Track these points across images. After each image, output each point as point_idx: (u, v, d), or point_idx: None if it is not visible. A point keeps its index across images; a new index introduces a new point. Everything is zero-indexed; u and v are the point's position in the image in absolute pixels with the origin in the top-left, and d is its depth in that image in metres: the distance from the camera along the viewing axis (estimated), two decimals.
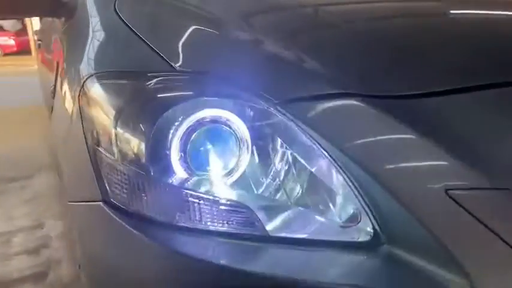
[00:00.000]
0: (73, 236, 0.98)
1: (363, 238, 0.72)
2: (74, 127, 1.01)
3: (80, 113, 0.92)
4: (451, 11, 1.25)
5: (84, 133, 0.90)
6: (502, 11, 1.27)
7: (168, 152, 0.76)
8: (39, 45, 2.52)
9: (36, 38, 2.96)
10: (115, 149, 0.81)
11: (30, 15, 1.85)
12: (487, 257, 0.64)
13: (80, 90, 0.95)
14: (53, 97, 1.38)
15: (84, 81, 0.95)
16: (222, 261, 0.70)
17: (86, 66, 1.07)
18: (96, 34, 1.21)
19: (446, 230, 0.65)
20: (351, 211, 0.74)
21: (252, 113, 0.77)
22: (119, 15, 1.14)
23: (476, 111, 0.76)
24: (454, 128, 0.71)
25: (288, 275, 0.67)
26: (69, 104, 1.11)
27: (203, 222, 0.74)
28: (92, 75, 0.94)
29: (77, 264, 1.11)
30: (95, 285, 0.88)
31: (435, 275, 0.65)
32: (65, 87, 1.21)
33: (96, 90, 0.91)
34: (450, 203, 0.66)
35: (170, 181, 0.76)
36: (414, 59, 0.87)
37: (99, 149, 0.84)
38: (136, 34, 1.00)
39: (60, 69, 1.34)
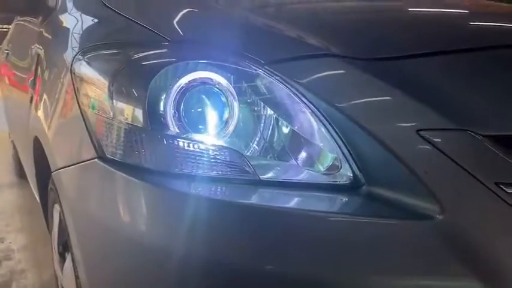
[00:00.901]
0: (62, 204, 1.00)
1: (343, 181, 0.79)
2: (64, 101, 1.05)
3: (73, 83, 0.96)
4: None
5: (77, 102, 0.94)
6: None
7: (162, 111, 0.81)
8: (6, 55, 2.52)
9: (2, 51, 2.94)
10: (111, 109, 0.85)
11: (8, 12, 1.87)
12: (455, 186, 0.73)
13: (71, 64, 1.00)
14: (33, 87, 1.40)
15: (75, 56, 1.00)
16: (218, 197, 0.75)
17: (73, 48, 1.12)
18: (80, 23, 1.27)
19: (419, 165, 0.74)
20: (332, 161, 0.81)
21: (239, 75, 0.84)
22: (108, 6, 1.20)
23: (445, 70, 0.86)
24: (424, 83, 0.81)
25: (280, 205, 0.74)
26: (56, 85, 1.15)
27: (199, 170, 0.80)
28: (82, 50, 0.99)
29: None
30: (94, 244, 0.89)
31: (410, 205, 0.73)
32: (49, 73, 1.24)
33: (88, 61, 0.96)
34: (421, 141, 0.74)
35: (166, 134, 0.81)
36: (385, 29, 0.98)
37: (94, 111, 0.89)
38: (128, 18, 1.06)
39: (41, 60, 1.38)
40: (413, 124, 0.76)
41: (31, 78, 1.45)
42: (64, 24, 1.31)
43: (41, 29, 1.56)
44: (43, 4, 1.60)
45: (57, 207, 1.22)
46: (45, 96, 1.22)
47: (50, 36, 1.39)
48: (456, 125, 0.75)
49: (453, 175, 0.73)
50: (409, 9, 1.18)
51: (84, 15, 1.30)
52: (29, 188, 2.34)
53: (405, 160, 0.74)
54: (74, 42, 1.13)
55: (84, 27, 1.20)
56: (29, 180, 2.00)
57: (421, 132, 0.75)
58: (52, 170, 1.06)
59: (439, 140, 0.75)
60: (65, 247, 1.24)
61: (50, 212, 1.37)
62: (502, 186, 0.72)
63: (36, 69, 1.41)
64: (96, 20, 1.22)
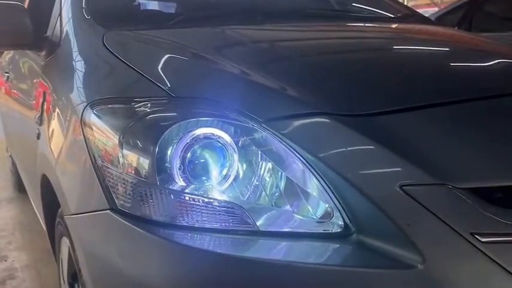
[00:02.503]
0: (76, 246, 1.08)
1: (335, 230, 0.87)
2: (74, 147, 1.13)
3: (83, 135, 1.04)
4: (402, 46, 1.49)
5: (88, 153, 1.01)
6: (448, 46, 1.52)
7: (169, 165, 0.89)
8: (7, 78, 2.57)
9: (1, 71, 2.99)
10: (121, 164, 0.93)
11: (12, 48, 1.93)
12: (434, 237, 0.81)
13: (82, 116, 1.07)
14: (40, 124, 1.47)
15: (86, 107, 1.07)
16: (219, 250, 0.83)
17: (82, 95, 1.19)
18: (86, 66, 1.34)
19: (402, 218, 0.82)
20: (324, 209, 0.89)
21: (238, 130, 0.93)
22: (109, 49, 1.28)
23: (424, 124, 0.94)
24: (406, 138, 0.90)
25: (279, 259, 0.82)
26: (64, 129, 1.22)
27: (202, 222, 0.88)
28: (93, 102, 1.07)
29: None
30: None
31: (395, 254, 0.81)
32: (58, 114, 1.31)
33: (98, 115, 1.03)
34: (404, 196, 0.83)
35: (172, 188, 0.89)
36: (371, 86, 1.07)
37: (105, 164, 0.96)
38: (130, 66, 1.14)
39: (48, 99, 1.44)
40: (397, 179, 0.84)
41: (37, 115, 1.51)
42: (69, 66, 1.38)
43: (45, 63, 1.63)
44: (46, 38, 1.67)
45: (65, 240, 1.29)
46: (54, 138, 1.29)
47: (55, 77, 1.46)
48: (436, 179, 0.84)
49: (433, 227, 0.81)
50: (394, 59, 1.27)
51: (87, 58, 1.37)
52: (29, 203, 2.40)
53: (389, 213, 0.82)
54: (81, 91, 1.20)
55: (91, 73, 1.27)
56: (33, 205, 2.07)
57: (404, 187, 0.83)
58: (64, 213, 1.14)
59: (420, 194, 0.83)
60: (74, 278, 1.31)
61: (57, 242, 1.44)
62: (477, 236, 0.80)
63: (42, 107, 1.48)
64: (100, 65, 1.29)
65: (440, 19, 4.52)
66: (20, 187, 3.19)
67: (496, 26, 4.32)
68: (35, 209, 2.02)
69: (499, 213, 0.82)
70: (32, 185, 1.75)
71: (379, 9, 2.07)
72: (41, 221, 1.82)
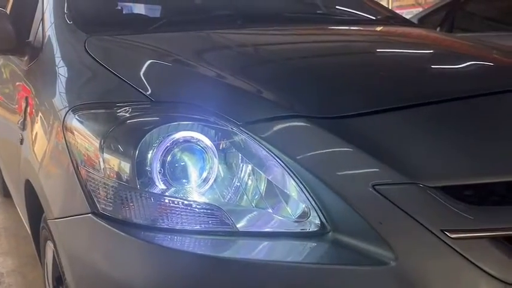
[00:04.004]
0: (59, 250, 1.09)
1: (312, 229, 0.90)
2: (56, 152, 1.14)
3: (65, 141, 1.05)
4: (378, 49, 1.53)
5: (70, 158, 1.03)
6: (422, 48, 1.56)
7: (149, 169, 0.91)
8: None
9: None
10: (102, 168, 0.95)
11: None
12: (406, 234, 0.84)
13: (63, 121, 1.09)
14: (23, 129, 1.48)
15: (67, 113, 1.09)
16: (200, 252, 0.85)
17: (64, 100, 1.20)
18: (68, 71, 1.35)
19: (374, 217, 0.85)
20: (302, 209, 0.92)
21: (217, 133, 0.95)
22: (90, 54, 1.29)
23: (396, 125, 0.98)
24: (379, 138, 0.93)
25: (257, 258, 0.84)
26: (46, 134, 1.23)
27: (182, 224, 0.90)
28: (74, 108, 1.08)
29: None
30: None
31: (369, 252, 0.84)
32: (39, 120, 1.32)
33: (79, 120, 1.05)
34: (377, 195, 0.86)
35: (153, 191, 0.91)
36: (346, 88, 1.10)
37: (86, 168, 0.98)
38: (112, 72, 1.16)
39: (30, 105, 1.45)
40: (370, 179, 0.87)
41: (20, 120, 1.52)
42: (52, 71, 1.39)
43: (28, 68, 1.64)
44: (28, 44, 1.68)
45: (50, 244, 1.30)
46: (37, 143, 1.30)
47: (38, 82, 1.47)
48: (407, 178, 0.87)
49: (404, 225, 0.84)
50: (369, 61, 1.30)
51: (69, 63, 1.38)
52: (14, 208, 2.39)
53: (363, 212, 0.85)
54: (63, 96, 1.22)
55: (73, 78, 1.29)
56: (18, 210, 2.06)
57: (377, 187, 0.86)
58: (48, 217, 1.15)
59: (392, 193, 0.86)
60: (59, 281, 1.32)
61: (42, 246, 1.45)
62: (446, 233, 0.83)
63: (25, 112, 1.49)
64: (82, 71, 1.31)
65: (423, 20, 4.59)
66: (5, 192, 3.17)
67: (478, 25, 4.40)
68: (20, 214, 2.02)
69: (468, 210, 0.85)
70: (16, 190, 1.76)
71: (359, 12, 2.10)
72: (26, 225, 1.82)
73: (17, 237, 2.76)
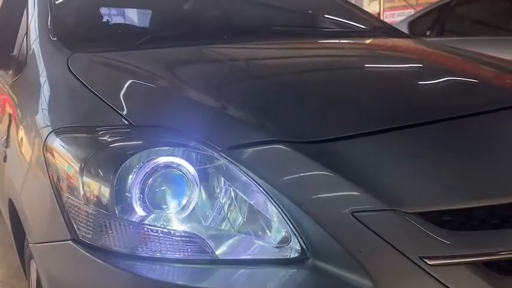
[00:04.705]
0: (40, 274, 1.08)
1: (293, 255, 0.90)
2: (37, 175, 1.13)
3: (46, 164, 1.04)
4: (359, 68, 1.53)
5: (50, 182, 1.02)
6: (404, 64, 1.56)
7: (129, 195, 0.91)
8: None
9: None
10: (81, 194, 0.94)
11: None
12: (385, 262, 0.85)
13: (44, 144, 1.08)
14: (6, 146, 1.47)
15: (48, 135, 1.08)
16: (180, 282, 0.85)
17: (46, 121, 1.19)
18: (50, 89, 1.34)
19: (353, 245, 0.85)
20: (283, 234, 0.91)
21: (199, 158, 0.94)
22: (73, 73, 1.28)
23: (375, 150, 0.98)
24: (357, 164, 0.93)
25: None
26: (28, 154, 1.22)
27: (162, 252, 0.89)
28: (55, 130, 1.08)
29: None
30: None
31: (347, 279, 0.84)
32: (21, 138, 1.32)
33: (60, 143, 1.04)
34: (355, 222, 0.86)
35: (132, 219, 0.91)
36: (326, 112, 1.10)
37: (66, 194, 0.98)
38: (94, 93, 1.15)
39: (14, 122, 1.44)
40: (348, 205, 0.87)
41: (4, 137, 1.51)
42: (35, 89, 1.38)
43: (12, 82, 1.62)
44: (12, 58, 1.67)
45: (33, 262, 1.30)
46: (19, 163, 1.29)
47: (22, 99, 1.46)
48: (385, 205, 0.87)
49: (383, 252, 0.84)
50: (349, 83, 1.30)
51: (52, 81, 1.37)
52: (1, 217, 2.38)
53: (341, 239, 0.86)
54: (46, 115, 1.21)
55: (55, 98, 1.28)
56: (6, 221, 2.05)
57: (355, 214, 0.86)
58: (29, 241, 1.14)
59: (371, 220, 0.86)
60: None
61: (27, 263, 1.44)
62: (425, 260, 0.83)
63: (8, 129, 1.47)
64: (65, 90, 1.30)
65: (414, 23, 4.60)
66: None
67: (468, 29, 4.41)
68: (8, 225, 2.01)
69: (447, 236, 0.85)
70: (2, 205, 1.74)
71: (348, 21, 2.10)
72: (12, 238, 1.81)
73: (5, 247, 2.73)
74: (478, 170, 0.95)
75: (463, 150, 0.99)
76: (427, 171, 0.94)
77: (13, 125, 1.45)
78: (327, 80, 1.32)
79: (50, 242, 1.01)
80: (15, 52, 1.69)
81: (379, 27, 2.10)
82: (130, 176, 0.91)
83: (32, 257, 1.28)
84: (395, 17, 8.06)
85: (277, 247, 0.92)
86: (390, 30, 2.13)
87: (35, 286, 1.37)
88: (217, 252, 0.90)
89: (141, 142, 0.97)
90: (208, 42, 1.59)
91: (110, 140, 0.98)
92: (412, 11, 6.91)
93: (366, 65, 1.57)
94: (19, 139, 1.35)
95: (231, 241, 0.92)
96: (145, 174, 0.91)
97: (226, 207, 0.94)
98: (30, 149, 1.22)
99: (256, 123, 1.02)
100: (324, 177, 0.91)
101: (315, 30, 2.02)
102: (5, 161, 1.46)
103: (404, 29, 4.09)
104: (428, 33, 4.47)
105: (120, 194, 0.91)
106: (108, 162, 0.94)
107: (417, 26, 4.56)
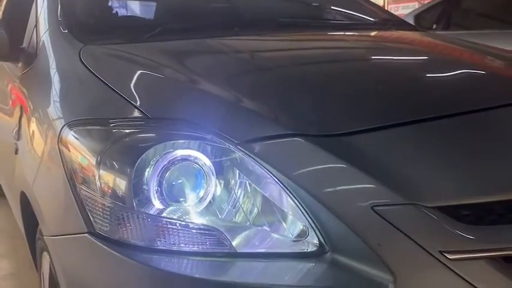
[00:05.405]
0: (55, 266, 1.08)
1: (311, 249, 0.90)
2: (51, 168, 1.13)
3: (61, 157, 1.04)
4: (374, 61, 1.52)
5: (65, 174, 1.02)
6: (420, 57, 1.55)
7: (146, 187, 0.90)
8: None
9: None
10: (98, 187, 0.94)
11: None
12: (404, 256, 0.84)
13: (59, 136, 1.07)
14: (17, 139, 1.46)
15: (63, 128, 1.07)
16: (198, 275, 0.85)
17: (59, 113, 1.19)
18: (63, 82, 1.34)
19: (373, 238, 0.85)
20: (300, 228, 0.91)
21: (215, 151, 0.94)
22: (86, 65, 1.28)
23: (394, 143, 0.97)
24: (377, 157, 0.92)
25: (253, 282, 0.84)
26: (41, 147, 1.22)
27: (180, 245, 0.89)
28: (70, 123, 1.07)
29: None
30: None
31: (367, 273, 0.84)
32: (34, 131, 1.31)
33: (75, 136, 1.04)
34: (375, 216, 0.85)
35: (149, 212, 0.90)
36: (344, 105, 1.09)
37: (82, 186, 0.97)
38: (108, 85, 1.14)
39: (25, 114, 1.44)
40: (368, 200, 0.87)
41: (15, 129, 1.50)
42: (46, 82, 1.37)
43: (22, 75, 1.62)
44: (22, 50, 1.66)
45: (46, 255, 1.30)
46: (32, 156, 1.29)
47: (33, 92, 1.45)
48: (406, 199, 0.86)
49: (403, 246, 0.84)
50: (367, 75, 1.29)
51: (64, 73, 1.37)
52: (9, 209, 2.38)
53: (361, 233, 0.85)
54: (58, 108, 1.20)
55: (68, 90, 1.27)
56: (14, 215, 2.05)
57: (376, 208, 0.86)
58: (44, 233, 1.14)
59: (391, 214, 0.86)
60: None
61: (38, 256, 1.44)
62: (445, 254, 0.83)
63: (20, 122, 1.47)
64: (77, 82, 1.29)
65: (419, 17, 4.57)
66: (1, 192, 3.15)
67: (474, 23, 4.39)
68: (16, 219, 2.01)
69: (466, 230, 0.85)
70: (12, 197, 1.74)
71: (356, 15, 2.09)
72: (21, 230, 1.81)
73: (14, 240, 2.74)
74: (497, 164, 0.94)
75: (483, 144, 0.98)
76: (446, 165, 0.93)
77: (24, 117, 1.44)
78: (344, 73, 1.31)
79: (66, 235, 1.01)
80: (24, 44, 1.68)
81: (389, 20, 2.09)
82: (147, 169, 0.91)
83: (44, 249, 1.28)
84: (400, 10, 8.01)
85: (294, 241, 0.92)
86: (400, 23, 2.11)
87: (47, 278, 1.38)
88: (234, 243, 0.90)
89: (157, 135, 0.97)
90: (219, 35, 1.58)
91: (126, 132, 0.98)
92: (416, 4, 6.87)
93: (381, 58, 1.56)
94: (31, 132, 1.34)
95: (247, 233, 0.92)
96: (162, 167, 0.91)
97: (241, 199, 0.94)
98: (43, 141, 1.21)
99: (273, 116, 1.02)
100: (342, 171, 0.91)
101: (326, 22, 2.00)
102: (16, 153, 1.46)
103: (410, 22, 4.07)
104: (434, 26, 4.44)
105: (137, 186, 0.90)
106: (125, 155, 0.94)
107: (423, 20, 4.53)
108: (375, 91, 1.16)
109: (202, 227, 0.90)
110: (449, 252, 0.83)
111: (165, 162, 0.91)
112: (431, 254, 0.83)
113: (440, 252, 0.83)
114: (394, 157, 0.94)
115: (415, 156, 0.94)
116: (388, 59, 1.53)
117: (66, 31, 1.47)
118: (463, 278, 0.82)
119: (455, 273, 0.82)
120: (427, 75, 1.36)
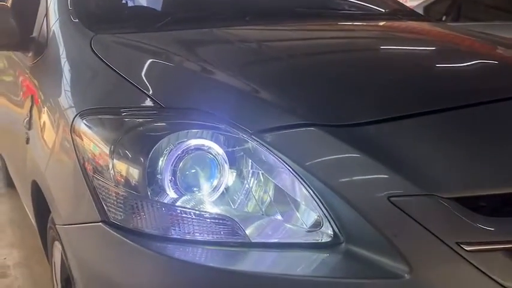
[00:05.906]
0: (68, 255, 1.09)
1: (325, 239, 0.89)
2: (64, 157, 1.13)
3: (74, 146, 1.04)
4: (388, 51, 1.50)
5: (78, 163, 1.01)
6: (435, 47, 1.53)
7: (160, 177, 0.90)
8: None
9: None
10: (112, 176, 0.94)
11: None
12: (421, 247, 0.83)
13: (71, 126, 1.07)
14: (29, 128, 1.46)
15: (75, 117, 1.07)
16: (213, 264, 0.84)
17: (71, 102, 1.19)
18: (74, 71, 1.33)
19: (389, 229, 0.84)
20: (314, 218, 0.91)
21: (228, 141, 0.93)
22: (97, 54, 1.27)
23: (410, 134, 0.96)
24: (393, 147, 0.91)
25: (267, 271, 0.83)
26: (53, 136, 1.22)
27: (194, 234, 0.89)
28: (82, 112, 1.07)
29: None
30: None
31: (383, 264, 0.83)
32: (45, 120, 1.31)
33: (88, 125, 1.03)
34: (391, 207, 0.85)
35: (164, 201, 0.90)
36: (359, 95, 1.08)
37: (96, 175, 0.97)
38: (120, 74, 1.14)
39: (36, 104, 1.44)
40: (384, 190, 0.86)
41: (26, 119, 1.50)
42: (57, 70, 1.37)
43: (33, 65, 1.61)
44: (32, 39, 1.65)
45: (57, 244, 1.30)
46: (43, 145, 1.28)
47: (44, 81, 1.45)
48: (422, 190, 0.86)
49: (419, 237, 0.83)
50: (381, 65, 1.27)
51: (75, 63, 1.36)
52: (20, 200, 2.40)
53: (377, 224, 0.84)
54: (70, 97, 1.20)
55: (79, 79, 1.27)
56: (24, 204, 2.06)
57: (392, 199, 0.85)
58: (56, 222, 1.14)
59: (407, 205, 0.85)
60: (67, 282, 1.32)
61: (49, 245, 1.45)
62: (462, 245, 0.82)
63: (31, 111, 1.47)
64: (89, 71, 1.29)
65: (429, 8, 4.53)
66: (9, 182, 3.17)
67: (484, 14, 4.35)
68: (26, 208, 2.02)
69: (483, 222, 0.84)
70: (22, 187, 1.75)
71: (367, 5, 2.06)
72: (32, 219, 1.82)
73: (23, 229, 2.76)
74: None
75: (500, 134, 0.97)
76: (463, 156, 0.92)
77: (35, 107, 1.44)
78: (358, 63, 1.30)
79: (80, 224, 1.01)
80: (34, 34, 1.67)
81: (400, 10, 2.07)
82: (161, 159, 0.90)
83: (55, 238, 1.28)
84: (409, 3, 7.93)
85: (308, 231, 0.91)
86: (411, 14, 2.09)
87: (59, 267, 1.38)
88: (248, 232, 0.90)
89: (171, 124, 0.96)
90: (230, 25, 1.56)
91: (139, 121, 0.97)
92: None
93: (395, 48, 1.54)
94: (42, 121, 1.34)
95: (258, 223, 0.92)
96: (176, 157, 0.90)
97: (254, 189, 0.93)
98: (55, 131, 1.21)
99: (287, 106, 1.01)
100: (358, 161, 0.90)
101: (337, 12, 1.98)
102: (27, 143, 1.46)
103: None
104: (443, 18, 4.40)
105: (151, 176, 0.90)
106: (139, 145, 0.94)
107: (432, 11, 4.49)
108: (390, 81, 1.15)
109: (216, 216, 0.90)
110: (467, 244, 0.82)
111: (179, 152, 0.90)
112: (448, 245, 0.82)
113: (458, 243, 0.82)
114: (410, 147, 0.93)
115: (431, 146, 0.93)
116: (402, 49, 1.52)
117: (77, 20, 1.46)
118: (480, 270, 0.81)
119: (473, 264, 0.81)
120: (443, 65, 1.34)
